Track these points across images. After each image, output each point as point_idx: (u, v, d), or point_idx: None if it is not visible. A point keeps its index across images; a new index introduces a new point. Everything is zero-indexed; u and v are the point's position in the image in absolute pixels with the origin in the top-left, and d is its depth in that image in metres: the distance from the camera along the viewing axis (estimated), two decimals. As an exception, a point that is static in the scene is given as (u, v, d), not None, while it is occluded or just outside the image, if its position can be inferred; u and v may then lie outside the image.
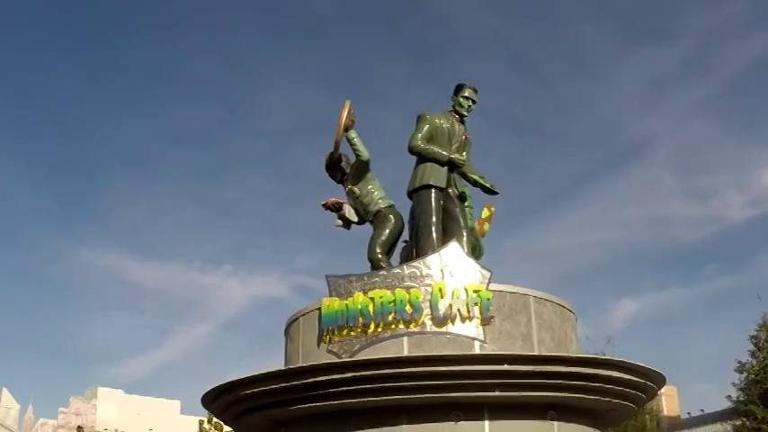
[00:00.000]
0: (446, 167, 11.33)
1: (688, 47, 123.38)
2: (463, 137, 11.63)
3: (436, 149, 11.34)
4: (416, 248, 11.19)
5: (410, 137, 11.51)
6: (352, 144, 11.50)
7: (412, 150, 11.50)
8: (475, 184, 11.43)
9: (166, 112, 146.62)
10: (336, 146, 11.61)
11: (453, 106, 11.71)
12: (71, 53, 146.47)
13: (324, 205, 12.01)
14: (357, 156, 11.56)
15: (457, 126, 11.62)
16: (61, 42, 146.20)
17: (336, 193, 12.14)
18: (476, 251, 11.34)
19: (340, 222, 12.01)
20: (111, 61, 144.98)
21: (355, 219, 11.92)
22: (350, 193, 11.86)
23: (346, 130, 11.45)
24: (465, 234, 11.11)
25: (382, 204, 11.53)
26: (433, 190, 11.22)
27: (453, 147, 11.44)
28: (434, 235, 10.94)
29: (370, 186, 11.65)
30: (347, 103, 11.47)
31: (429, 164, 11.35)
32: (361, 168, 11.67)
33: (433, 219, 11.07)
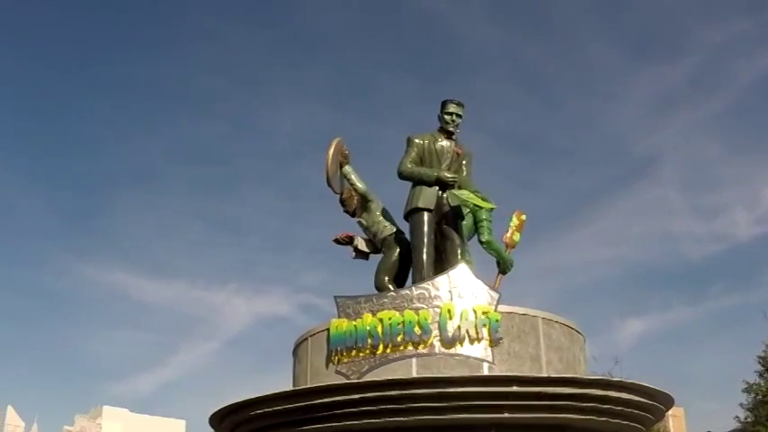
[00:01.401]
0: (436, 187, 11.37)
1: (695, 64, 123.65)
2: (454, 153, 11.59)
3: (423, 170, 11.44)
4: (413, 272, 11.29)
5: (399, 162, 11.62)
6: (347, 179, 11.94)
7: (400, 175, 11.61)
8: (465, 202, 11.30)
9: (173, 130, 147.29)
10: (328, 184, 11.93)
11: (441, 124, 11.71)
12: (79, 70, 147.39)
13: (335, 241, 12.23)
14: (355, 190, 11.90)
15: (446, 143, 11.60)
16: (69, 59, 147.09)
17: (341, 220, 12.40)
18: (500, 266, 11.30)
19: (354, 254, 12.18)
20: (118, 78, 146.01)
21: (368, 249, 12.09)
22: (360, 225, 12.09)
23: (341, 166, 11.94)
24: (459, 252, 11.12)
25: (387, 232, 11.74)
26: (424, 213, 11.28)
27: (444, 165, 11.47)
28: (425, 258, 11.03)
29: (376, 215, 11.89)
30: (333, 143, 11.90)
31: (419, 187, 11.44)
32: (364, 200, 11.94)
33: (424, 241, 11.15)
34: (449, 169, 11.46)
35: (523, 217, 11.99)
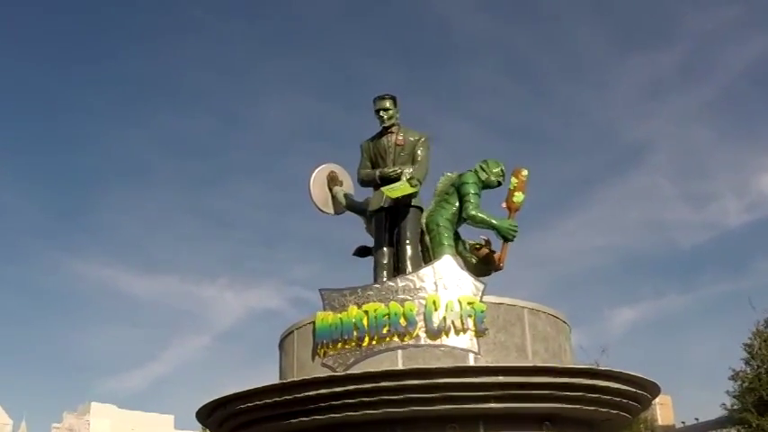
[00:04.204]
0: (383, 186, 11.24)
1: (685, 51, 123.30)
2: (396, 145, 11.40)
3: (367, 173, 11.51)
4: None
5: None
6: (339, 202, 12.43)
7: (359, 183, 11.83)
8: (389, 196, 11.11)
9: (161, 123, 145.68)
10: (321, 211, 12.50)
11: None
12: (66, 63, 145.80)
13: (354, 254, 12.38)
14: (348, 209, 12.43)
15: (386, 140, 11.49)
16: (56, 53, 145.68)
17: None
18: (499, 235, 11.22)
19: None
20: (105, 71, 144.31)
21: None
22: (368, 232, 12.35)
23: (330, 189, 12.44)
24: (409, 246, 11.02)
25: None
26: (376, 215, 11.43)
27: (389, 161, 11.37)
28: (379, 261, 11.16)
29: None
30: (312, 174, 12.38)
31: (373, 190, 11.50)
32: (360, 214, 12.36)
33: (381, 248, 11.27)
34: (393, 163, 11.32)
35: (524, 173, 11.49)
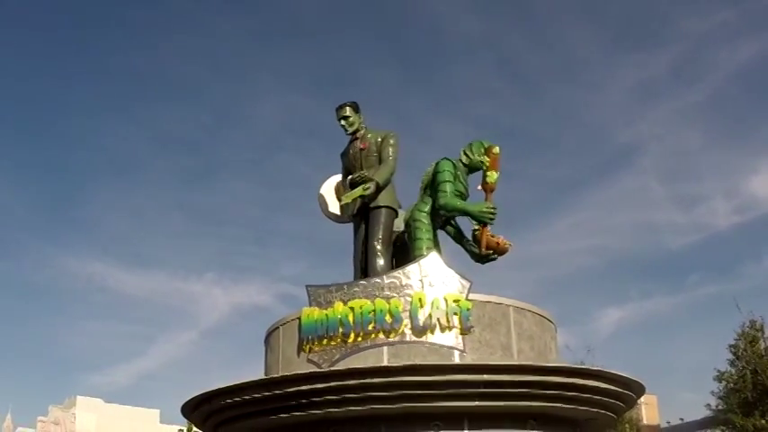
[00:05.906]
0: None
1: (677, 53, 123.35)
2: (360, 150, 11.58)
3: (344, 182, 11.74)
4: None
5: None
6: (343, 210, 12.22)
7: None
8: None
9: (152, 118, 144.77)
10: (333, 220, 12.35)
11: None
12: (55, 58, 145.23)
13: None
14: None
15: (353, 147, 11.70)
16: (45, 47, 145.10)
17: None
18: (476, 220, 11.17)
19: None
20: (96, 66, 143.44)
21: None
22: None
23: (339, 199, 12.10)
24: (375, 248, 11.02)
25: None
26: (353, 221, 11.67)
27: (358, 166, 11.53)
28: (358, 266, 11.30)
29: None
30: (321, 187, 12.37)
31: None
32: None
33: (355, 252, 11.49)
34: (362, 168, 11.46)
35: (496, 150, 11.08)
